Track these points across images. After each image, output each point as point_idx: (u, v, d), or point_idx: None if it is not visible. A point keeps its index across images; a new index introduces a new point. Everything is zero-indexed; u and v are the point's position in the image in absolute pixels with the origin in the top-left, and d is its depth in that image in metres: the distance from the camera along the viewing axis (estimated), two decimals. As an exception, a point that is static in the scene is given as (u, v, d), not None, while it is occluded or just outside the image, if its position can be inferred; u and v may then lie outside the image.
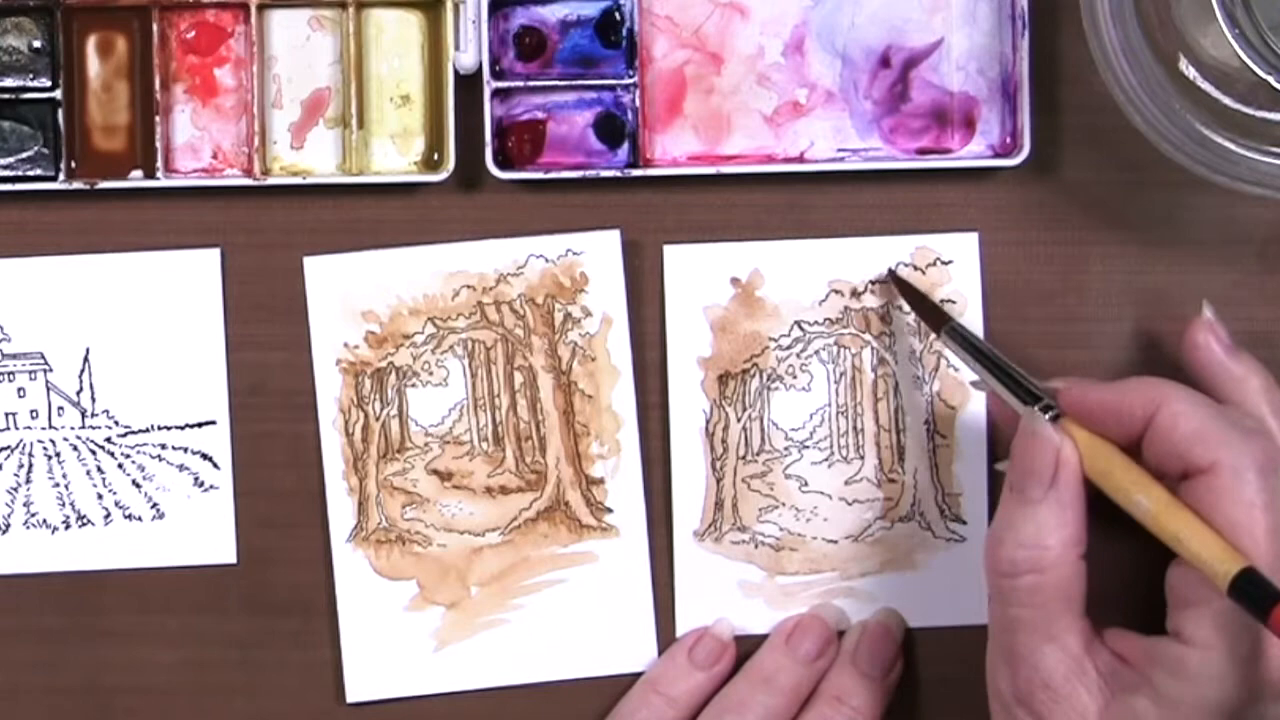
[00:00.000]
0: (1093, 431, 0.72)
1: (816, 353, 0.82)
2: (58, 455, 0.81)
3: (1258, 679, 0.69)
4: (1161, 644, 0.70)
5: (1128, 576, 0.76)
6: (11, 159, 0.80)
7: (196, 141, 0.81)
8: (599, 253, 0.81)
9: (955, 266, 0.81)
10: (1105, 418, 0.72)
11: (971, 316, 0.81)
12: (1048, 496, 0.71)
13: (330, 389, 0.81)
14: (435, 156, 0.81)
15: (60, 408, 0.81)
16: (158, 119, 0.80)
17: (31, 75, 0.80)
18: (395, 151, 0.81)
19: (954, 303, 0.81)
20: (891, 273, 0.81)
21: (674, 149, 0.81)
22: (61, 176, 0.79)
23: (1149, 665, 0.70)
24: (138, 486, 0.81)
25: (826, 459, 0.82)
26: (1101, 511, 0.73)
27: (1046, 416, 0.72)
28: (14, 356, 0.81)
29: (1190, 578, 0.69)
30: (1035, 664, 0.71)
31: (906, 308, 0.80)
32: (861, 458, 0.82)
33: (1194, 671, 0.69)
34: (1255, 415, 0.74)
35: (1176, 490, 0.70)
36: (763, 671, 0.80)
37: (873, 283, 0.81)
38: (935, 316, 0.79)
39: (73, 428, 0.81)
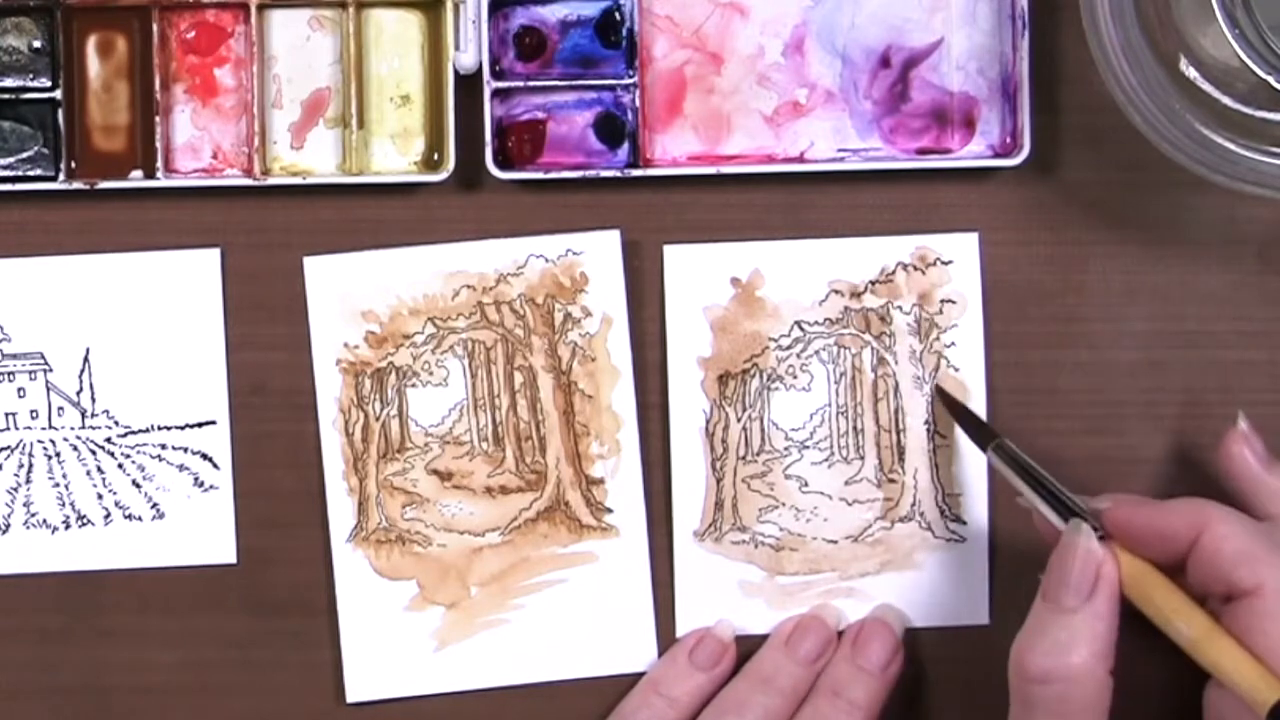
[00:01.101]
0: (1135, 552, 0.72)
1: (816, 353, 0.82)
2: (58, 455, 0.81)
3: None
4: None
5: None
6: (11, 159, 0.80)
7: (196, 141, 0.81)
8: (599, 253, 0.81)
9: (955, 266, 0.81)
10: (1150, 539, 0.72)
11: (971, 316, 0.81)
12: (1083, 608, 0.71)
13: (330, 389, 0.81)
14: (435, 156, 0.81)
15: (60, 408, 0.81)
16: (158, 119, 0.80)
17: (31, 75, 0.80)
18: (395, 151, 0.81)
19: (954, 302, 0.81)
20: (938, 388, 0.81)
21: (674, 149, 0.81)
22: (61, 176, 0.79)
23: None
24: (138, 486, 0.81)
25: (826, 459, 0.82)
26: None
27: (1091, 531, 0.72)
28: (14, 356, 0.81)
29: (1228, 700, 0.70)
30: None
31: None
32: (861, 458, 0.82)
33: None
34: None
35: (1220, 612, 0.70)
36: (762, 672, 0.80)
37: (872, 285, 0.81)
38: (981, 432, 0.79)
39: (73, 428, 0.81)
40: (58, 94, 0.79)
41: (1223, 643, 0.69)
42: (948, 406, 0.81)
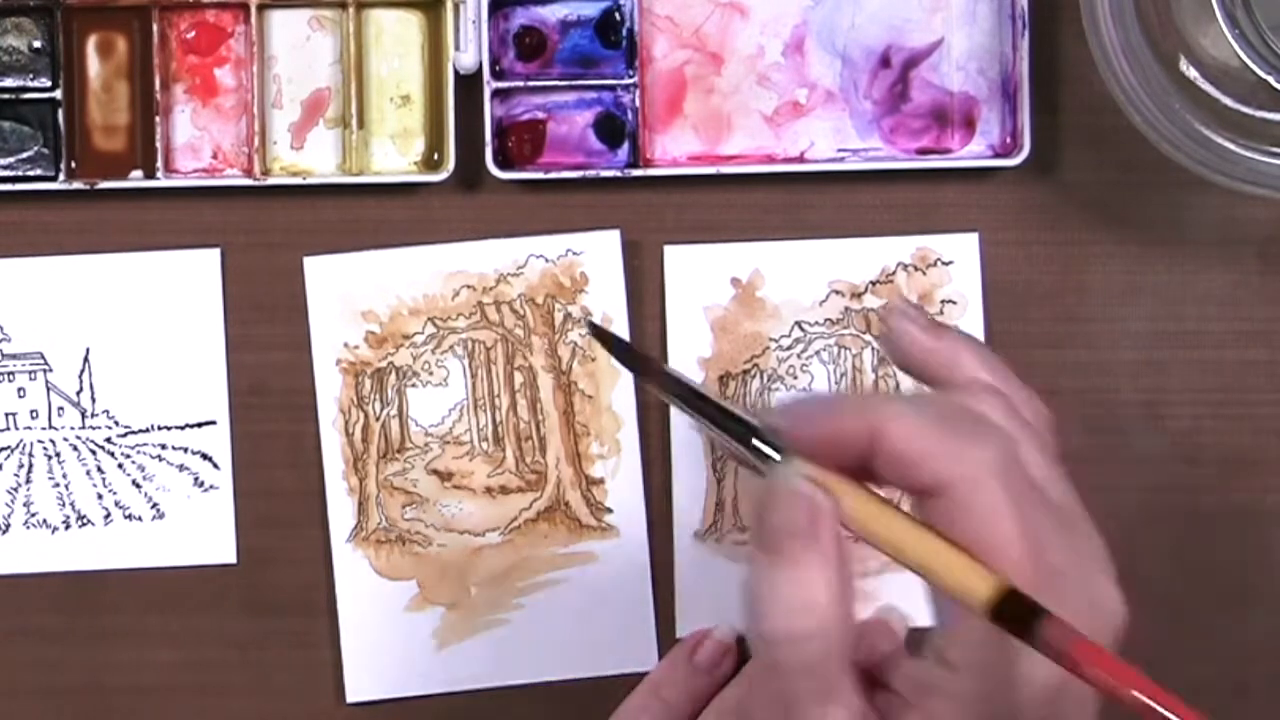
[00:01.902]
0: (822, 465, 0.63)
1: (817, 353, 0.82)
2: (58, 455, 0.81)
3: (1015, 699, 0.62)
4: (923, 668, 0.63)
5: None
6: (11, 159, 0.80)
7: (196, 141, 0.81)
8: (599, 253, 0.81)
9: (955, 267, 0.81)
10: (830, 450, 0.62)
11: (972, 317, 0.81)
12: (810, 552, 0.61)
13: (330, 389, 0.81)
14: (435, 156, 0.81)
15: (60, 408, 0.81)
16: (158, 119, 0.80)
17: (31, 75, 0.80)
18: (395, 151, 0.81)
19: (955, 303, 0.81)
20: (587, 322, 0.79)
21: (674, 149, 0.81)
22: (61, 176, 0.79)
23: (921, 695, 0.63)
24: (138, 486, 0.81)
25: (827, 459, 0.81)
26: None
27: (791, 467, 0.62)
28: (14, 356, 0.81)
29: (945, 599, 0.62)
30: None
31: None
32: (862, 458, 0.81)
33: (953, 694, 0.62)
34: (978, 397, 0.65)
35: (918, 509, 0.62)
36: (762, 673, 0.80)
37: (871, 289, 0.81)
38: (639, 362, 0.71)
39: (73, 428, 0.81)
40: (58, 94, 0.79)
41: (927, 542, 0.60)
42: (598, 338, 0.73)
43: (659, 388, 0.64)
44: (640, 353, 0.77)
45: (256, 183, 0.80)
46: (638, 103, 0.80)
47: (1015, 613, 0.59)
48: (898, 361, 0.67)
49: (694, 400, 0.63)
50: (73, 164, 0.80)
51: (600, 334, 0.72)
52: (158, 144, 0.80)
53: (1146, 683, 0.57)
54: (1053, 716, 0.61)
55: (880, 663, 0.65)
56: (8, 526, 0.81)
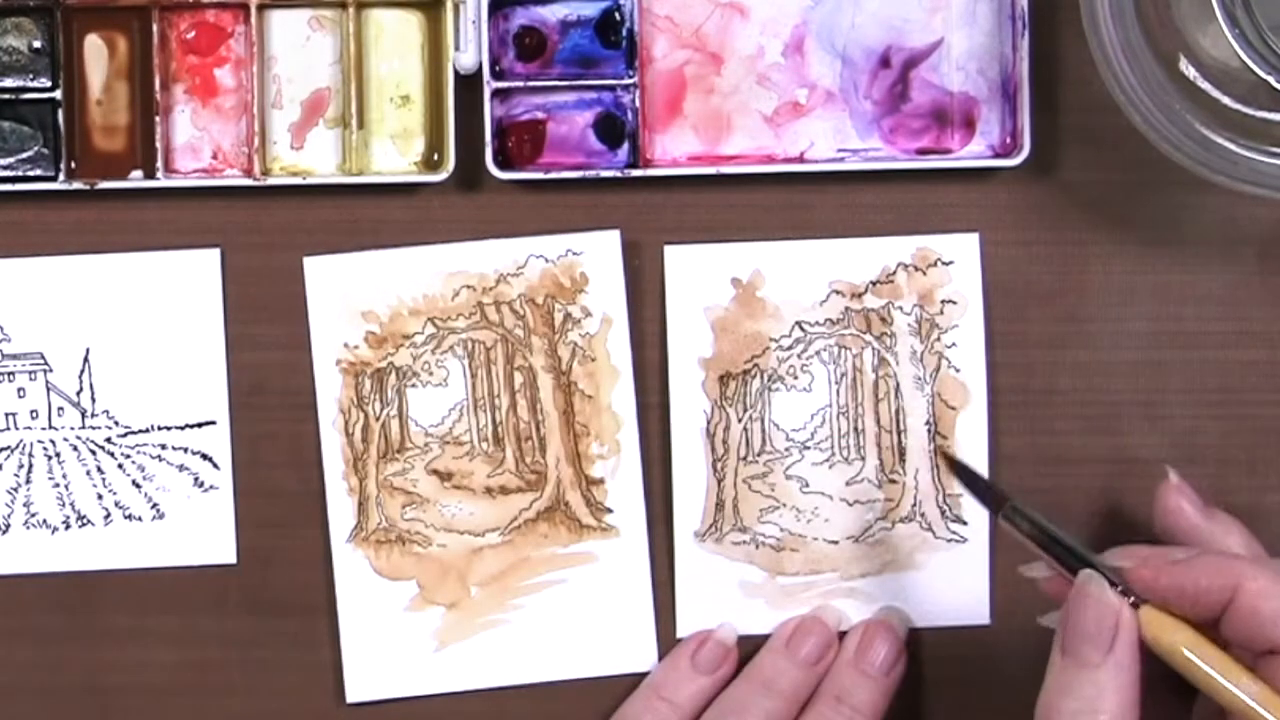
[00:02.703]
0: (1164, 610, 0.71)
1: (817, 353, 0.82)
2: (58, 455, 0.81)
3: None
4: None
5: None
6: (11, 159, 0.80)
7: (196, 141, 0.81)
8: (599, 253, 0.81)
9: (956, 267, 0.81)
10: (1180, 600, 0.70)
11: (972, 317, 0.81)
12: (1106, 661, 0.69)
13: (330, 389, 0.81)
14: (435, 156, 0.81)
15: (60, 408, 0.81)
16: (158, 119, 0.80)
17: (31, 75, 0.80)
18: (395, 151, 0.81)
19: (955, 303, 0.81)
20: (945, 456, 0.80)
21: (674, 149, 0.81)
22: (61, 176, 0.79)
23: None
24: (138, 486, 0.81)
25: (827, 460, 0.82)
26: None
27: (1103, 579, 0.71)
28: (14, 356, 0.81)
29: None
30: None
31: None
32: (862, 458, 0.82)
33: None
34: None
35: (1256, 665, 0.69)
36: (763, 675, 0.80)
37: (873, 283, 0.81)
38: (992, 496, 0.77)
39: (73, 428, 0.81)
40: (58, 94, 0.79)
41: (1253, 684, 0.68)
42: (955, 473, 0.78)
43: (1010, 524, 0.73)
44: (993, 485, 0.80)
45: (256, 183, 0.80)
46: (638, 103, 0.80)
47: None
48: (1165, 532, 0.76)
49: (1041, 535, 0.73)
50: (73, 164, 0.80)
51: (957, 467, 0.78)
52: (158, 144, 0.80)
53: None
54: None
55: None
56: (8, 526, 0.81)
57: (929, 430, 0.81)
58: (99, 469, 0.81)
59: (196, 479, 0.82)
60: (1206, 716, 0.72)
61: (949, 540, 0.82)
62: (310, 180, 0.80)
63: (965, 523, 0.81)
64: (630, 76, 0.80)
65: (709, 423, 0.82)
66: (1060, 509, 0.81)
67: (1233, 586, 0.69)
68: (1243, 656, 0.70)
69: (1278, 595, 0.69)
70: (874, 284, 0.82)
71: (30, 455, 0.81)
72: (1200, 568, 0.70)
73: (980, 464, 0.81)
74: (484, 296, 0.81)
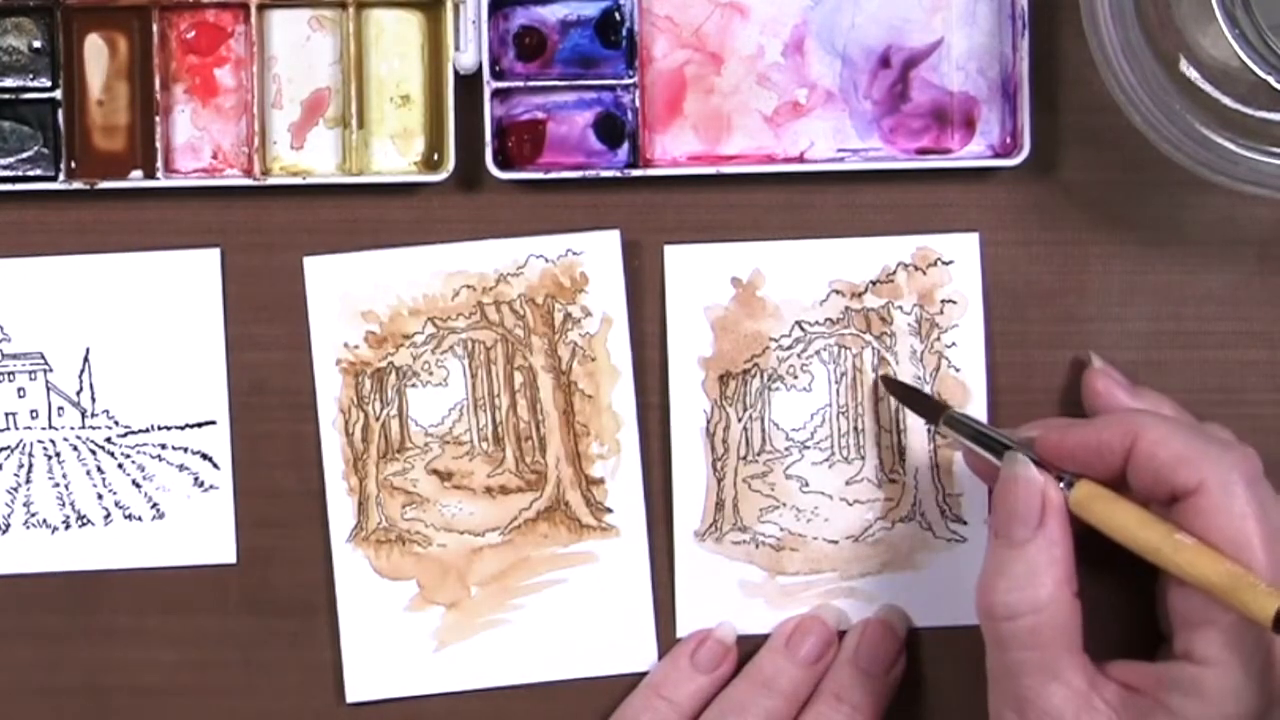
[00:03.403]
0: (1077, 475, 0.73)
1: (817, 353, 0.82)
2: (58, 455, 0.81)
3: (1272, 689, 0.70)
4: (1173, 667, 0.71)
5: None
6: (11, 159, 0.80)
7: (196, 141, 0.81)
8: (599, 253, 0.81)
9: (956, 267, 0.81)
10: (1085, 457, 0.72)
11: (972, 317, 0.81)
12: (1036, 537, 0.71)
13: (330, 389, 0.81)
14: (435, 156, 0.81)
15: (60, 408, 0.81)
16: (158, 119, 0.80)
17: (31, 75, 0.80)
18: (395, 151, 0.81)
19: (955, 303, 0.81)
20: (883, 377, 0.81)
21: (674, 149, 0.81)
22: (61, 176, 0.79)
23: (1161, 690, 0.70)
24: (138, 486, 0.81)
25: (827, 459, 0.82)
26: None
27: (1028, 460, 0.73)
28: (14, 356, 0.81)
29: (1195, 599, 0.70)
30: (1044, 706, 0.71)
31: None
32: (862, 458, 0.82)
33: (1211, 690, 0.69)
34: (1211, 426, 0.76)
35: (1165, 515, 0.71)
36: (763, 674, 0.80)
37: (872, 283, 0.81)
38: (931, 406, 0.80)
39: (73, 428, 0.81)
40: (58, 94, 0.79)
41: (1189, 546, 0.69)
42: (893, 391, 0.81)
43: (952, 430, 0.77)
44: (931, 397, 0.81)
45: (256, 183, 0.80)
46: (638, 103, 0.80)
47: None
48: (1094, 413, 0.79)
49: (969, 430, 0.76)
50: (73, 164, 0.80)
51: (894, 385, 0.80)
52: (158, 144, 0.80)
53: None
54: None
55: (1109, 664, 0.72)
56: (8, 526, 0.81)
57: (929, 430, 0.81)
58: (99, 469, 0.81)
59: (196, 479, 0.81)
60: (1163, 590, 0.73)
61: (949, 540, 0.82)
62: (310, 180, 0.80)
63: (965, 523, 0.81)
64: (630, 76, 0.80)
65: (709, 422, 0.82)
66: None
67: (1132, 437, 0.71)
68: (1155, 511, 0.71)
69: (1174, 440, 0.71)
70: (874, 284, 0.81)
71: (30, 455, 0.81)
72: (1102, 424, 0.73)
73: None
74: (484, 296, 0.81)
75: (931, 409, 0.79)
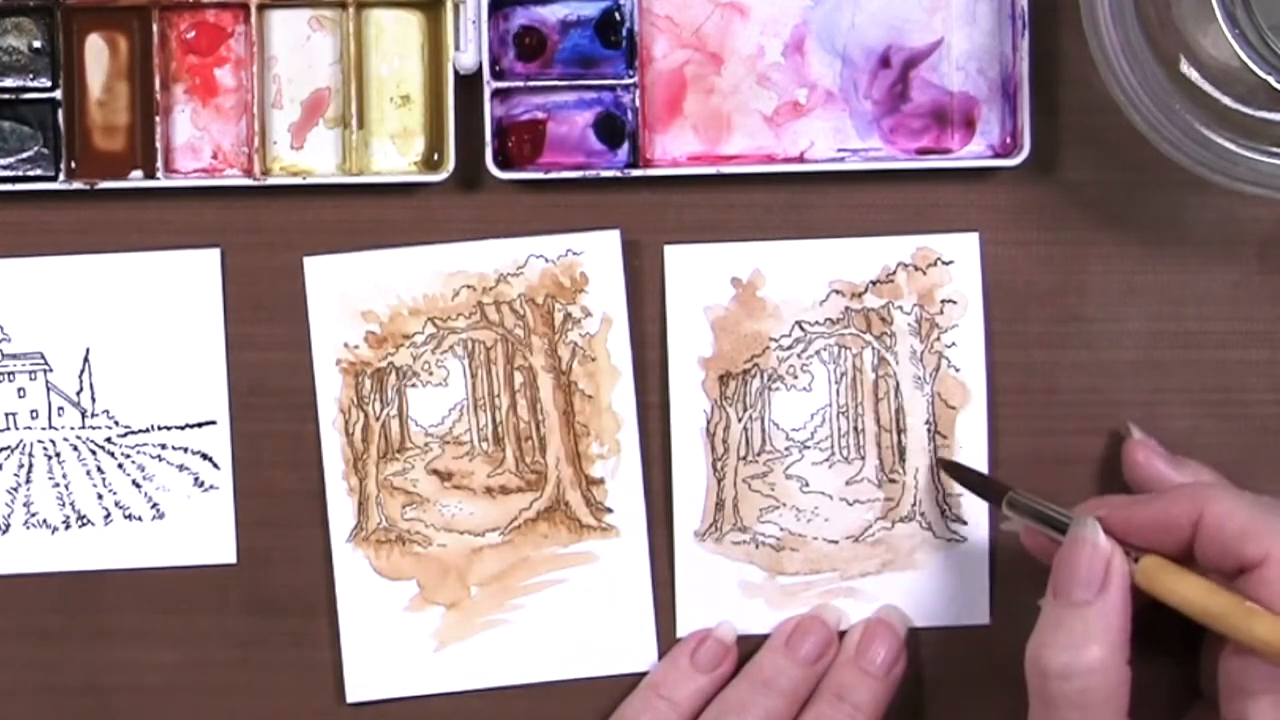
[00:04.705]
0: (1142, 549, 0.73)
1: (817, 353, 0.82)
2: (58, 455, 0.81)
3: None
4: None
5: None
6: (11, 159, 0.80)
7: (196, 141, 0.81)
8: (599, 253, 0.81)
9: (956, 267, 0.81)
10: (1152, 533, 0.73)
11: (972, 317, 0.81)
12: (1096, 600, 0.72)
13: (330, 389, 0.81)
14: (435, 156, 0.81)
15: (60, 408, 0.81)
16: (158, 119, 0.80)
17: (31, 75, 0.80)
18: (395, 151, 0.81)
19: (955, 303, 0.81)
20: (942, 460, 0.81)
21: (674, 149, 0.81)
22: (61, 176, 0.79)
23: None
24: (138, 486, 0.81)
25: (827, 459, 0.82)
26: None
27: (1097, 524, 0.73)
28: (14, 356, 0.81)
29: (1253, 667, 0.70)
30: None
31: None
32: (862, 458, 0.82)
33: None
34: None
35: (1231, 588, 0.71)
36: (763, 673, 0.80)
37: (877, 287, 0.81)
38: (992, 489, 0.79)
39: (73, 428, 0.81)
40: (58, 94, 0.79)
41: (1260, 612, 0.70)
42: (952, 474, 0.81)
43: (1012, 510, 0.77)
44: (990, 478, 0.81)
45: (256, 183, 0.80)
46: (638, 103, 0.80)
47: None
48: (1136, 486, 0.80)
49: (1033, 511, 0.76)
50: (73, 164, 0.80)
51: (954, 469, 0.81)
52: (158, 144, 0.80)
53: None
54: None
55: None
56: (8, 526, 0.81)
57: (929, 430, 0.81)
58: (99, 469, 0.81)
59: (196, 479, 0.82)
60: (1212, 658, 0.73)
61: (949, 540, 0.82)
62: (310, 180, 0.80)
63: (965, 522, 0.81)
64: (630, 76, 0.80)
65: (709, 422, 0.82)
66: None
67: (1199, 510, 0.72)
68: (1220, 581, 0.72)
69: (1241, 512, 0.71)
70: (874, 284, 0.82)
71: (30, 455, 0.81)
72: (1168, 499, 0.73)
73: (979, 463, 0.81)
74: (484, 296, 0.81)
75: (993, 491, 0.79)
